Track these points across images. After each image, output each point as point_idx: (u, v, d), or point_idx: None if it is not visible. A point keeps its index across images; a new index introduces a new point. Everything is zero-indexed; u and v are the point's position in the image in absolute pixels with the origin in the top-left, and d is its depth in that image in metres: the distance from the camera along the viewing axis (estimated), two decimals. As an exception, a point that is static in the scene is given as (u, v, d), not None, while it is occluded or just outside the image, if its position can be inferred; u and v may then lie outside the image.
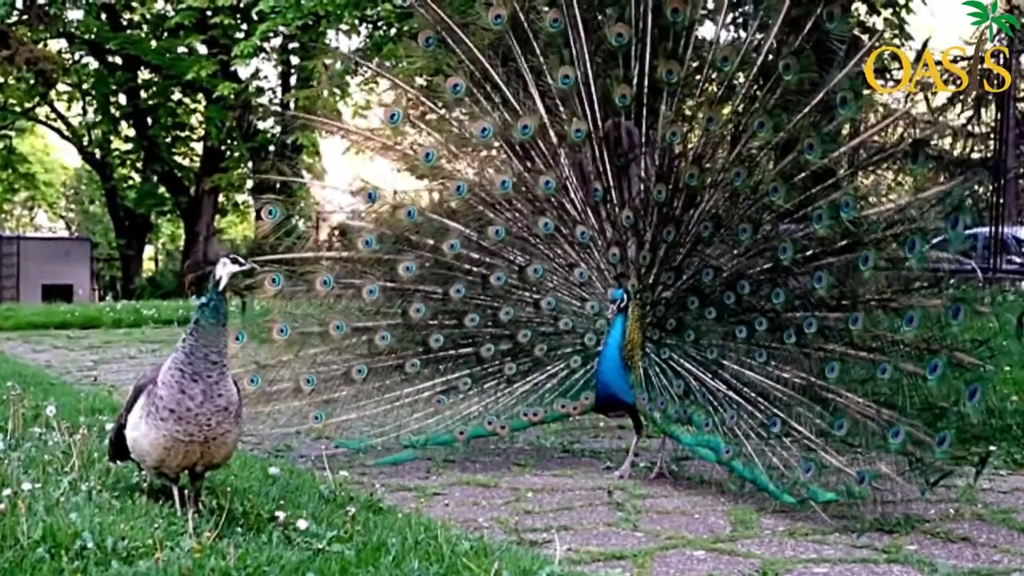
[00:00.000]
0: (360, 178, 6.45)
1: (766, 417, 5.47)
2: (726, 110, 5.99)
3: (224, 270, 4.01)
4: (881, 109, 5.98)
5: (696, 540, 4.64)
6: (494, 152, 6.49)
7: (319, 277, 6.14)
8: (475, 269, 6.25)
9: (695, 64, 6.00)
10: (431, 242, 6.23)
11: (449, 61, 6.23)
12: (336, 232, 6.59)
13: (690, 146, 6.04)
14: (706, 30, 6.37)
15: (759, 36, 5.91)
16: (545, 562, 3.85)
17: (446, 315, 6.29)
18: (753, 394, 5.59)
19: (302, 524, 3.96)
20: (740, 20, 6.66)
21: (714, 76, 6.00)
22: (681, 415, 5.78)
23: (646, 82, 6.00)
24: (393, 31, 18.23)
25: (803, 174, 5.60)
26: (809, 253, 5.61)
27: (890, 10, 19.40)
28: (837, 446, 5.15)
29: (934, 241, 5.19)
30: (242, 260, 4.06)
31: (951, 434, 4.87)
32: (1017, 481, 5.82)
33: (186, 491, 4.19)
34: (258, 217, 6.76)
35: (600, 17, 6.25)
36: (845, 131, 5.77)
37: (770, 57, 5.73)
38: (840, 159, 5.65)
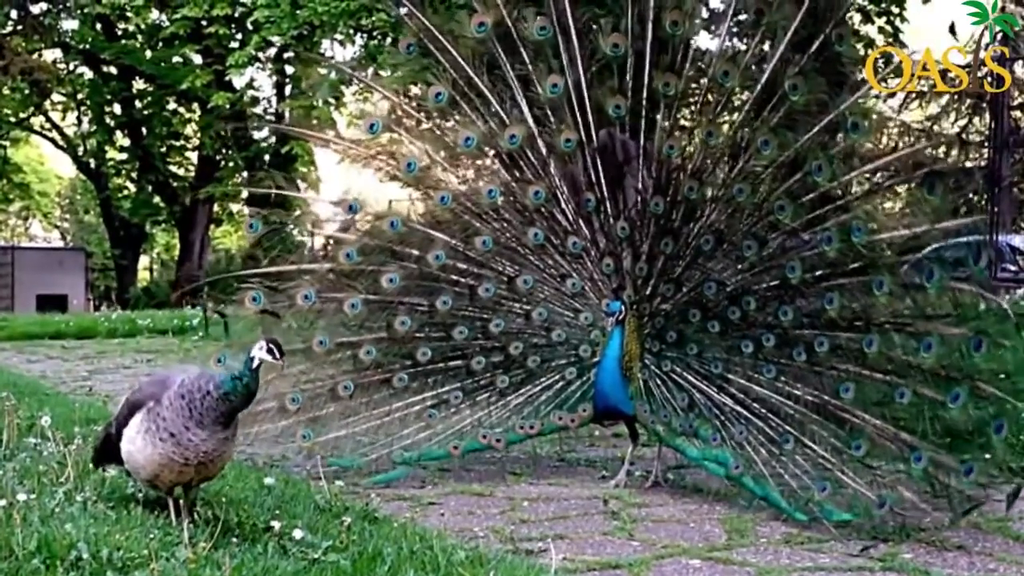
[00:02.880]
0: (346, 190, 6.36)
1: (777, 434, 5.41)
2: (726, 125, 5.91)
3: (260, 353, 3.99)
4: (894, 132, 5.90)
5: (692, 549, 4.64)
6: (480, 162, 6.41)
7: (300, 291, 6.00)
8: (462, 280, 6.13)
9: (694, 77, 5.94)
10: (416, 253, 6.10)
11: (432, 69, 6.14)
12: (329, 243, 6.50)
13: (688, 159, 5.94)
14: (707, 43, 6.33)
15: (760, 51, 5.83)
16: (541, 571, 3.85)
17: (433, 328, 6.16)
18: (763, 410, 5.51)
19: (298, 534, 3.97)
20: (739, 32, 6.59)
21: (714, 90, 5.91)
22: (687, 428, 5.72)
23: (644, 93, 5.92)
24: (388, 41, 18.26)
25: (811, 195, 5.53)
26: (819, 273, 5.51)
27: (884, 19, 19.47)
28: (855, 467, 5.08)
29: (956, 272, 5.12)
30: (278, 354, 4.04)
31: (978, 465, 4.84)
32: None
33: (180, 501, 4.18)
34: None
35: (593, 26, 6.18)
36: (856, 152, 5.63)
37: (776, 76, 5.61)
38: (851, 183, 5.58)
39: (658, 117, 5.93)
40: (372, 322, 6.15)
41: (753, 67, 5.80)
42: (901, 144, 5.69)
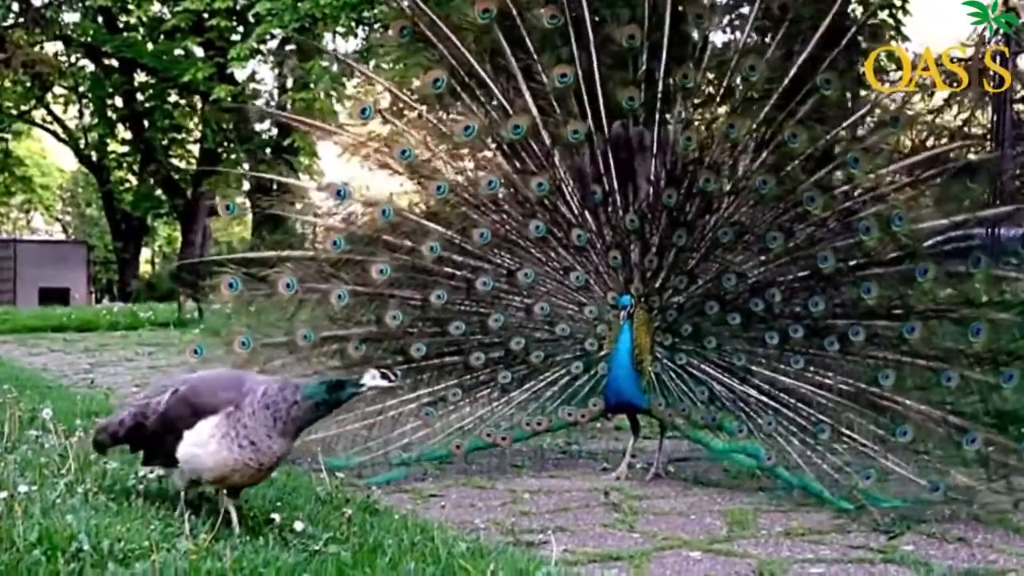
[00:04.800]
0: (330, 177, 6.31)
1: (810, 423, 5.39)
2: (748, 118, 5.78)
3: (373, 382, 4.02)
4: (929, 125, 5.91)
5: (692, 541, 4.64)
6: (480, 153, 6.25)
7: (282, 279, 5.78)
8: (459, 273, 5.97)
9: (713, 71, 5.88)
10: (408, 244, 5.92)
11: (425, 55, 6.00)
12: (330, 232, 6.33)
13: (706, 151, 5.84)
14: (721, 36, 6.29)
15: (784, 45, 5.76)
16: (541, 563, 3.84)
17: (427, 322, 6.00)
18: (792, 400, 5.49)
19: (298, 526, 3.97)
20: (761, 27, 6.53)
21: (737, 83, 5.84)
22: (709, 421, 5.69)
23: (659, 86, 5.84)
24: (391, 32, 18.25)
25: (844, 187, 5.53)
26: (854, 263, 5.48)
27: (887, 12, 19.40)
28: (901, 454, 5.05)
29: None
30: (392, 376, 4.07)
31: None
32: (1014, 482, 5.81)
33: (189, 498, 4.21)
34: (253, 213, 6.61)
35: (605, 16, 6.07)
36: (887, 146, 5.63)
37: (803, 71, 5.57)
38: (890, 175, 5.56)
39: (674, 109, 5.85)
40: (360, 315, 5.98)
41: (779, 61, 5.71)
42: (911, 135, 5.65)
